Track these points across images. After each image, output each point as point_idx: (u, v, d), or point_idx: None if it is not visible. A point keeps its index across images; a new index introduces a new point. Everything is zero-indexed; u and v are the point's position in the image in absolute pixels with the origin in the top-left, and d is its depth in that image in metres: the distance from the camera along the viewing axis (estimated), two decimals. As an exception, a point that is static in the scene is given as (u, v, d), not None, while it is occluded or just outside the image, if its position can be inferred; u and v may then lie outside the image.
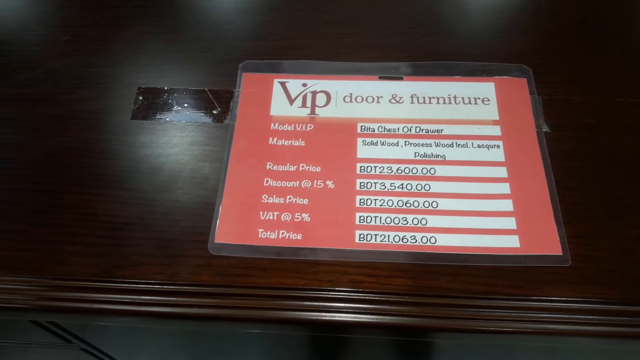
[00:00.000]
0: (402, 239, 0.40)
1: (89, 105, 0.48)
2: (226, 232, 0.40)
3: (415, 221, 0.40)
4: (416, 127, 0.45)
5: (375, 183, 0.42)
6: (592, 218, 0.40)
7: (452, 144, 0.44)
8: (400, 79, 0.48)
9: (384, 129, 0.45)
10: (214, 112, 0.47)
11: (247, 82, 0.48)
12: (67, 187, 0.43)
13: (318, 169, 0.43)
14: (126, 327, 0.52)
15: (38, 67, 0.50)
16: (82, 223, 0.42)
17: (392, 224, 0.40)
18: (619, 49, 0.50)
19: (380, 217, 0.41)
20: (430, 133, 0.45)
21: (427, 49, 0.50)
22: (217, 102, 0.47)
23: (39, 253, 0.40)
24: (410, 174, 0.43)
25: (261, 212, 0.41)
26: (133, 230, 0.41)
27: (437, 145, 0.44)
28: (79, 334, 0.54)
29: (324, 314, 0.38)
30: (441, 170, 0.43)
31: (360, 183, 0.42)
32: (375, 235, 0.40)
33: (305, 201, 0.42)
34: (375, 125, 0.45)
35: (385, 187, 0.42)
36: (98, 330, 0.54)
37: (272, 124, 0.46)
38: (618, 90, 0.47)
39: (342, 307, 0.38)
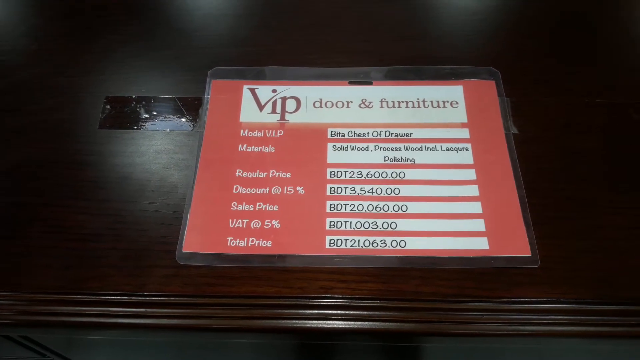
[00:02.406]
0: (372, 243, 0.40)
1: (56, 115, 0.47)
2: (194, 241, 0.40)
3: (385, 225, 0.40)
4: (386, 132, 0.45)
5: (346, 188, 0.42)
6: (560, 218, 0.41)
7: (421, 147, 0.44)
8: (370, 83, 0.48)
9: (354, 133, 0.45)
10: (183, 119, 0.46)
11: (216, 89, 0.48)
12: (33, 198, 0.43)
13: (288, 175, 0.43)
14: (100, 339, 0.51)
15: (4, 77, 0.50)
16: (49, 235, 0.41)
17: (362, 228, 0.40)
18: (587, 50, 0.50)
19: (351, 222, 0.41)
20: (399, 137, 0.45)
21: (396, 53, 0.50)
22: (186, 110, 0.47)
23: (4, 266, 0.39)
24: (380, 178, 0.43)
25: (230, 220, 0.41)
26: (100, 242, 0.40)
27: (406, 149, 0.44)
28: (51, 347, 0.53)
29: (295, 321, 0.38)
30: (410, 173, 0.43)
31: (331, 188, 0.42)
32: (346, 240, 0.40)
33: (275, 208, 0.41)
34: (345, 130, 0.45)
35: (356, 192, 0.42)
36: (71, 343, 0.53)
37: (242, 131, 0.45)
38: (585, 91, 0.47)
39: (313, 314, 0.38)
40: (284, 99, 0.47)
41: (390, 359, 0.55)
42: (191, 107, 0.47)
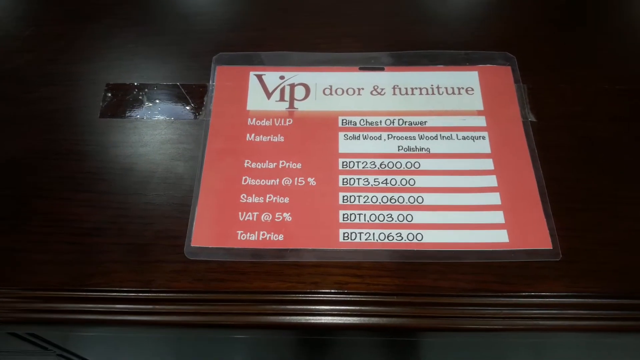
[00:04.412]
0: (388, 236, 0.38)
1: (55, 104, 0.45)
2: (203, 235, 0.38)
3: (401, 218, 0.39)
4: (399, 120, 0.43)
5: (359, 179, 0.41)
6: (581, 210, 0.39)
7: (437, 136, 0.42)
8: (382, 69, 0.46)
9: (366, 122, 0.43)
10: (187, 107, 0.45)
11: (222, 76, 0.46)
12: (33, 191, 0.41)
13: (299, 166, 0.41)
14: (104, 334, 0.49)
15: (-2, 64, 0.48)
16: (50, 229, 0.39)
17: (377, 221, 0.39)
18: (605, 35, 0.49)
19: (365, 215, 0.39)
20: (413, 125, 0.43)
21: (408, 38, 0.48)
22: (191, 98, 0.45)
23: (4, 262, 0.38)
24: (394, 168, 0.41)
25: (240, 213, 0.39)
26: (104, 236, 0.39)
27: (421, 138, 0.42)
28: (55, 342, 0.52)
29: (308, 317, 0.37)
30: (426, 163, 0.41)
31: (343, 179, 0.41)
32: (360, 233, 0.38)
33: (286, 200, 0.40)
34: (356, 119, 0.43)
35: (369, 183, 0.40)
36: (75, 337, 0.52)
37: (249, 119, 0.44)
38: (605, 77, 0.46)
39: (327, 310, 0.37)
40: (292, 86, 0.45)
41: (394, 352, 0.54)
42: (196, 94, 0.45)
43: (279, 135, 0.43)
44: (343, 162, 0.41)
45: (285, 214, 0.39)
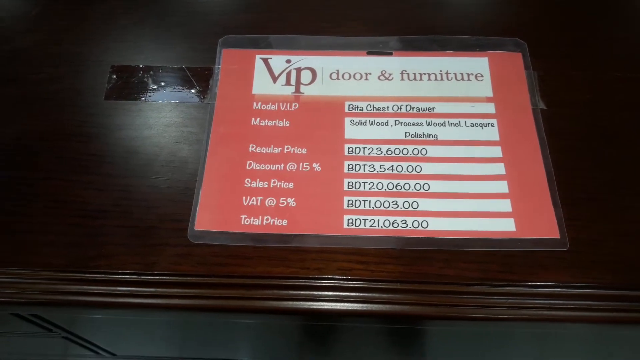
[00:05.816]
0: (393, 223, 0.38)
1: (59, 85, 0.45)
2: (207, 218, 0.38)
3: (406, 205, 0.39)
4: (407, 106, 0.43)
5: (364, 165, 0.40)
6: (590, 199, 0.39)
7: (444, 122, 0.42)
8: (390, 54, 0.45)
9: (373, 107, 0.43)
10: (193, 91, 0.44)
11: (227, 59, 0.45)
12: (37, 173, 0.41)
13: (304, 151, 0.41)
14: (108, 317, 0.50)
15: (3, 44, 0.47)
16: (54, 211, 0.39)
17: (382, 207, 0.39)
18: (618, 22, 0.48)
19: (370, 201, 0.39)
20: (421, 111, 0.42)
21: (417, 22, 0.47)
22: (196, 81, 0.45)
23: (8, 244, 0.38)
24: (401, 155, 0.41)
25: (244, 197, 0.39)
26: (108, 218, 0.39)
27: (428, 124, 0.42)
28: (60, 324, 0.52)
29: (311, 303, 0.36)
30: (433, 150, 0.41)
31: (349, 165, 0.40)
32: (365, 220, 0.38)
33: (291, 185, 0.40)
34: (363, 104, 0.43)
35: (375, 169, 0.40)
36: (80, 320, 0.52)
37: (255, 104, 0.43)
38: (616, 64, 0.45)
39: (330, 296, 0.36)
40: (298, 70, 0.45)
41: (397, 341, 0.54)
42: (201, 77, 0.45)
43: (284, 119, 0.42)
44: (349, 148, 0.41)
45: (289, 199, 0.39)
